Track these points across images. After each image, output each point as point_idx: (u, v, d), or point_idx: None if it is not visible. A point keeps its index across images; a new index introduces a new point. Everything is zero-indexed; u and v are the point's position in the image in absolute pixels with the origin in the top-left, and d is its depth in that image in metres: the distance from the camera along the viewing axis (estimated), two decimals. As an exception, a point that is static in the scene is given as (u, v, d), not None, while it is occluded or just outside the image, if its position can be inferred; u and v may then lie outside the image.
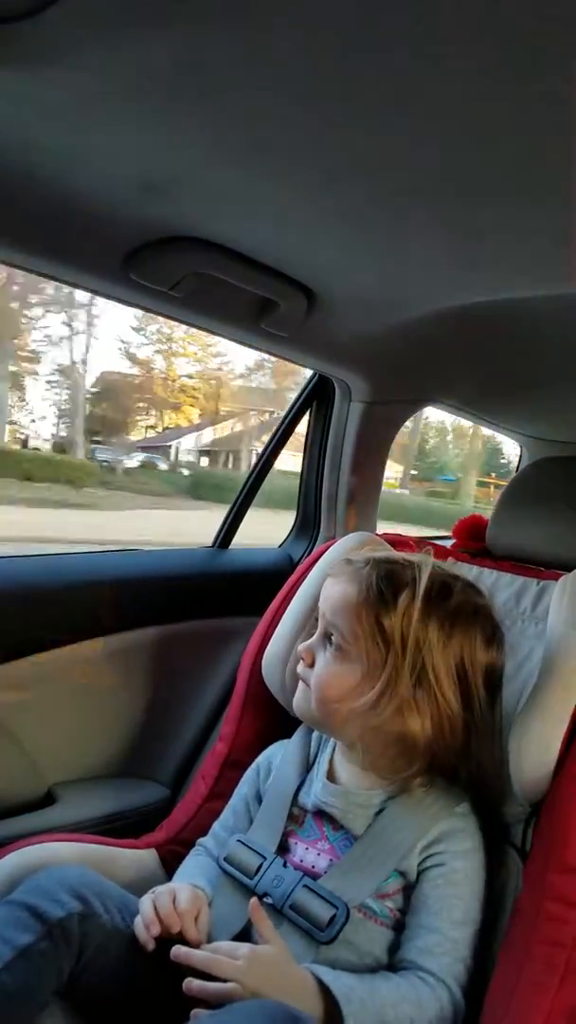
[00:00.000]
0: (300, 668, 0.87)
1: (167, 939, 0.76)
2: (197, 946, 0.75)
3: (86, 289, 0.95)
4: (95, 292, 0.96)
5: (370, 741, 0.82)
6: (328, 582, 0.88)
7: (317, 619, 0.89)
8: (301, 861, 0.83)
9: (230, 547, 1.51)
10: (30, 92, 0.61)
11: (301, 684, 0.87)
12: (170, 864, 0.97)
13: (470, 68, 0.54)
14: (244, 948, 0.71)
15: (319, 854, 0.83)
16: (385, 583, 0.82)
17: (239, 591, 1.45)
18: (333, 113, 0.61)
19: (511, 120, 0.59)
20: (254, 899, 0.76)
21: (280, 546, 1.64)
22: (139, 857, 0.98)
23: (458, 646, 0.80)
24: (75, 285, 0.94)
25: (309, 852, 0.84)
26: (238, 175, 0.73)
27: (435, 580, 0.83)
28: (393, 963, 0.76)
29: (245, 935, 0.78)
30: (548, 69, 0.53)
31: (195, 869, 0.91)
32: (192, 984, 0.69)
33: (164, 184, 0.76)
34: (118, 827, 1.17)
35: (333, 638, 0.83)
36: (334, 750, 0.91)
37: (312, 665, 0.85)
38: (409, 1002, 0.70)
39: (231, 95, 0.60)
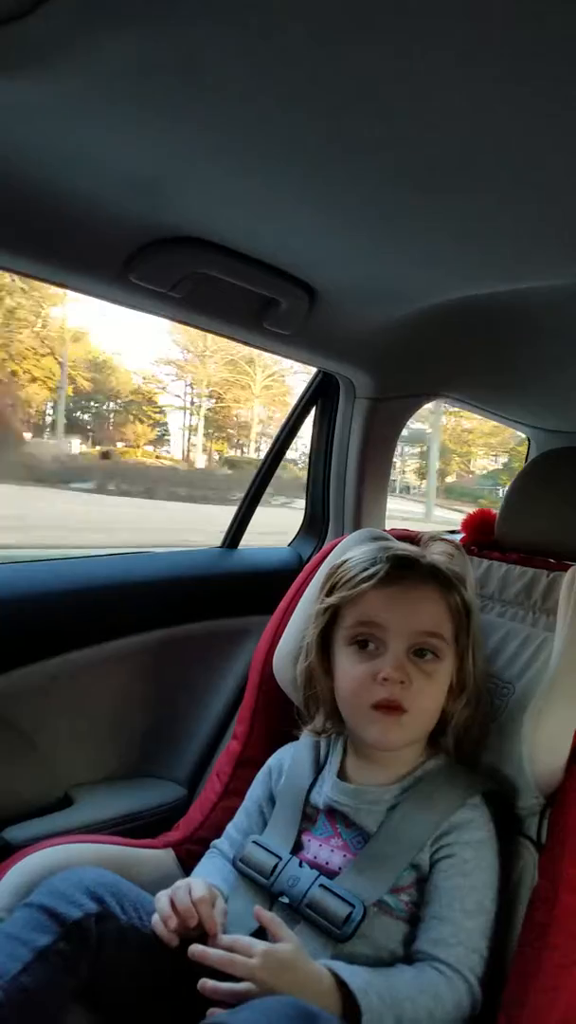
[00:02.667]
0: (397, 691, 0.79)
1: (186, 938, 0.76)
2: (215, 935, 0.75)
3: (85, 293, 0.95)
4: (94, 295, 0.96)
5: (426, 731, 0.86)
6: (383, 602, 0.82)
7: (364, 641, 0.83)
8: (315, 858, 0.83)
9: (239, 547, 1.52)
10: (23, 95, 0.61)
11: (380, 716, 0.80)
12: (187, 863, 0.97)
13: (470, 61, 0.53)
14: (260, 946, 0.71)
15: (333, 850, 0.83)
16: (443, 565, 0.87)
17: (249, 590, 1.45)
18: (330, 109, 0.61)
19: (511, 113, 0.59)
20: (257, 907, 0.76)
21: (289, 544, 1.64)
22: (156, 857, 0.98)
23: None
24: (74, 289, 0.94)
25: (323, 848, 0.84)
26: (236, 174, 0.73)
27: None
28: (408, 955, 0.76)
29: (261, 934, 0.78)
30: (545, 61, 0.53)
31: (209, 870, 0.91)
32: (206, 984, 0.69)
33: (162, 185, 0.76)
34: (136, 827, 1.18)
35: (422, 649, 0.82)
36: (345, 748, 0.91)
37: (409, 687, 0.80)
38: (426, 994, 0.70)
39: (226, 93, 0.60)
